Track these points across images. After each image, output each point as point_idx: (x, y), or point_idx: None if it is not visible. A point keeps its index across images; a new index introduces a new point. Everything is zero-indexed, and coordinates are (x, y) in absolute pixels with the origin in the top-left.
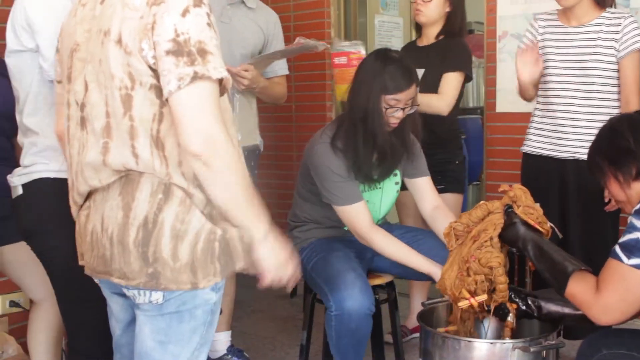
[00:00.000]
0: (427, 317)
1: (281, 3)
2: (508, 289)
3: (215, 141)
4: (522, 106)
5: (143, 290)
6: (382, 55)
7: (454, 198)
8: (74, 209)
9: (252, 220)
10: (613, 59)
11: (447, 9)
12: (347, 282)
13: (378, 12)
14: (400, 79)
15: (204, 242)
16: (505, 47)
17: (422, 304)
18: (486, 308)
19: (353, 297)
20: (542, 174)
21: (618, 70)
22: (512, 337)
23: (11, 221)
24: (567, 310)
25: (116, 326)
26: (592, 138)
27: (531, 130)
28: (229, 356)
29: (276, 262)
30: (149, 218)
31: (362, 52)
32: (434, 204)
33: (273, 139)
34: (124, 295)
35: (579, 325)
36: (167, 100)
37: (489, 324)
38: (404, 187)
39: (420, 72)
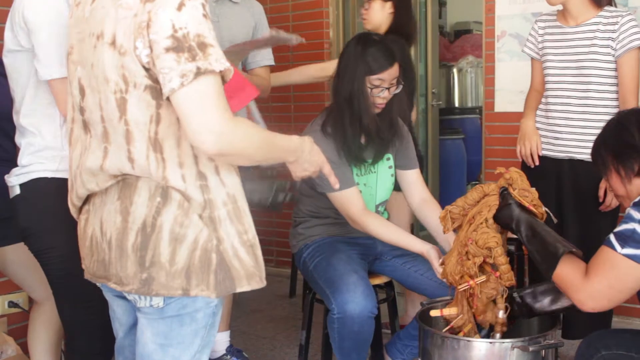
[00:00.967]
0: (426, 316)
1: (280, 3)
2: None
3: (226, 135)
4: (521, 106)
5: (139, 295)
6: (363, 39)
7: None
8: (73, 211)
9: (287, 147)
10: (610, 58)
11: (390, 10)
12: (350, 284)
13: None
14: (382, 58)
15: (202, 249)
16: (504, 47)
17: (421, 303)
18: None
19: (355, 300)
20: (540, 173)
21: (615, 70)
22: (505, 334)
23: (13, 222)
24: (555, 307)
25: (119, 329)
26: (588, 138)
27: None
28: (228, 356)
29: (309, 157)
30: (148, 222)
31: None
32: (422, 197)
33: None
34: (126, 298)
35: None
36: (167, 99)
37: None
38: (397, 188)
39: None
